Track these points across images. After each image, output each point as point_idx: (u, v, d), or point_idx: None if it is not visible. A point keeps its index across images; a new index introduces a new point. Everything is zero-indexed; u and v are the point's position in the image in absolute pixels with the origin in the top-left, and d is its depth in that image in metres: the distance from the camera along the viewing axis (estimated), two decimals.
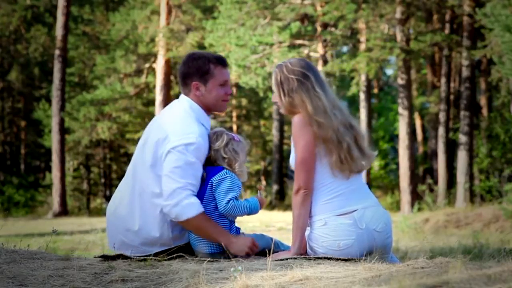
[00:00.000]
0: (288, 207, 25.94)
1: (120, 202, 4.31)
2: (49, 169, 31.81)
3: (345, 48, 30.37)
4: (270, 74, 21.32)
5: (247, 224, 16.70)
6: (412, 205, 23.00)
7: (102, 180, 33.93)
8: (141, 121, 29.64)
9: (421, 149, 34.30)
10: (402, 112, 23.71)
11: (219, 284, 3.53)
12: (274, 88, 4.17)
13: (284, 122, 30.74)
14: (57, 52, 27.43)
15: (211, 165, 4.19)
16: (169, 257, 4.13)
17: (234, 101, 31.97)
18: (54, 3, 31.83)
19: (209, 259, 4.06)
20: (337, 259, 3.91)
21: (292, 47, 23.36)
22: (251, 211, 4.17)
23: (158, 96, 27.23)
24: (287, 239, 4.41)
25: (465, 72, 23.65)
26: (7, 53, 33.57)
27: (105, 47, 30.62)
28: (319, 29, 23.92)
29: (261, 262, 3.91)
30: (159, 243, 4.18)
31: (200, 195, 4.12)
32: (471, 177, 23.47)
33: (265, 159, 34.92)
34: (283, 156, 30.54)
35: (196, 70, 4.24)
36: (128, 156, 32.91)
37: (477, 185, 23.39)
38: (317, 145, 4.02)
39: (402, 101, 23.67)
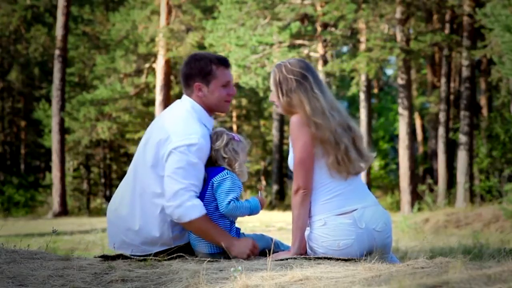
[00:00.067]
0: (288, 207, 25.94)
1: (120, 202, 4.31)
2: (49, 169, 31.81)
3: (345, 48, 30.38)
4: (270, 74, 21.28)
5: (247, 224, 16.69)
6: (412, 205, 23.00)
7: (102, 180, 33.93)
8: (141, 121, 29.64)
9: (421, 149, 34.30)
10: (402, 112, 23.72)
11: (219, 284, 3.53)
12: (272, 87, 4.17)
13: (284, 122, 30.75)
14: (57, 52, 27.43)
15: (212, 165, 4.20)
16: (169, 257, 4.14)
17: (234, 101, 31.97)
18: (54, 3, 31.83)
19: (209, 259, 4.06)
20: (337, 259, 3.91)
21: (292, 47, 23.36)
22: (252, 211, 4.17)
23: (158, 96, 27.23)
24: (287, 239, 4.41)
25: (465, 72, 23.65)
26: (7, 53, 33.57)
27: (105, 47, 30.62)
28: (319, 29, 23.92)
29: (261, 262, 3.91)
30: (159, 243, 4.18)
31: (201, 195, 4.12)
32: (471, 177, 23.47)
33: (265, 159, 34.93)
34: (283, 156, 30.55)
35: (198, 71, 4.24)
36: (128, 156, 32.93)
37: (477, 185, 23.39)
38: (315, 146, 4.02)
39: (402, 101, 23.67)
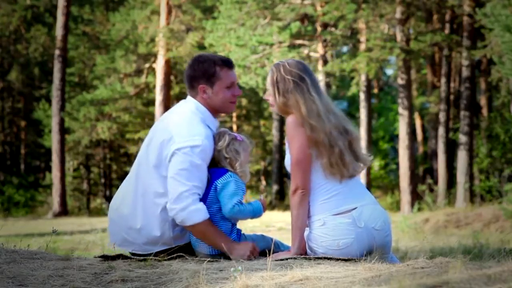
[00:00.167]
0: (288, 207, 25.94)
1: (122, 201, 4.32)
2: (49, 169, 31.81)
3: (345, 48, 30.37)
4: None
5: (247, 224, 16.69)
6: (412, 205, 23.00)
7: (102, 180, 33.93)
8: (141, 121, 29.65)
9: (421, 149, 34.30)
10: (402, 112, 23.72)
11: (219, 284, 3.54)
12: (269, 86, 4.18)
13: (284, 122, 30.72)
14: (57, 52, 27.43)
15: (215, 166, 4.20)
16: (169, 257, 4.14)
17: None
18: (54, 3, 31.83)
19: (209, 259, 4.07)
20: (337, 259, 3.91)
21: (292, 47, 23.36)
22: (255, 214, 4.19)
23: (158, 96, 27.23)
24: (287, 239, 4.41)
25: (465, 72, 23.65)
26: (7, 53, 33.57)
27: (105, 47, 30.63)
28: (319, 29, 23.91)
29: (261, 262, 3.92)
30: (160, 242, 4.19)
31: (203, 196, 4.13)
32: (471, 177, 23.47)
33: (265, 159, 34.92)
34: (283, 156, 30.48)
35: (202, 73, 4.24)
36: (128, 156, 32.93)
37: (477, 185, 23.39)
38: (310, 147, 4.03)
39: (402, 101, 23.67)
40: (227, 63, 4.28)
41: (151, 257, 4.12)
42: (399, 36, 23.03)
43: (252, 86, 23.02)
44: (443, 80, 26.57)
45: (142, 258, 4.15)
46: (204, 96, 4.25)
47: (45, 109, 31.35)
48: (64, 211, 27.03)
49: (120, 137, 30.91)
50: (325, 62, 23.55)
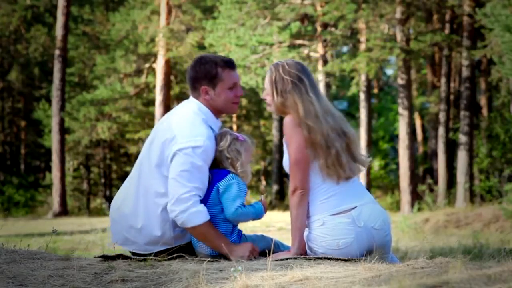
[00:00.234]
0: (288, 207, 25.92)
1: (124, 200, 4.33)
2: (49, 169, 31.82)
3: (345, 48, 30.37)
4: None
5: (247, 224, 16.66)
6: (412, 205, 23.00)
7: (102, 180, 33.93)
8: (141, 121, 29.64)
9: (421, 149, 34.30)
10: (402, 112, 23.72)
11: (219, 284, 3.54)
12: (267, 85, 4.18)
13: None
14: (57, 52, 27.43)
15: (216, 167, 4.20)
16: (169, 257, 4.14)
17: None
18: (54, 3, 31.84)
19: (209, 259, 4.07)
20: (337, 259, 3.91)
21: (292, 47, 23.36)
22: (257, 216, 4.20)
23: (158, 96, 27.23)
24: (287, 239, 4.42)
25: (465, 72, 23.65)
26: (7, 53, 33.57)
27: (105, 47, 30.63)
28: (319, 29, 23.91)
29: (261, 262, 3.92)
30: (160, 242, 4.20)
31: (204, 197, 4.13)
32: (471, 177, 23.47)
33: (265, 159, 34.93)
34: (283, 156, 30.53)
35: (204, 74, 4.24)
36: (128, 156, 32.94)
37: (477, 185, 23.39)
38: (306, 148, 4.03)
39: (402, 101, 23.67)
40: (229, 64, 4.28)
41: (151, 257, 4.12)
42: (399, 36, 23.03)
43: (252, 86, 23.02)
44: (443, 80, 26.57)
45: (142, 258, 4.15)
46: (206, 98, 4.25)
47: (45, 109, 31.35)
48: (64, 211, 27.03)
49: (120, 137, 30.91)
50: (325, 62, 23.55)
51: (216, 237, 4.09)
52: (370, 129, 25.70)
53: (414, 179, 23.86)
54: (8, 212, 27.54)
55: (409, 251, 10.74)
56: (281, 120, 30.27)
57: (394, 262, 4.07)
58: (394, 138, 37.79)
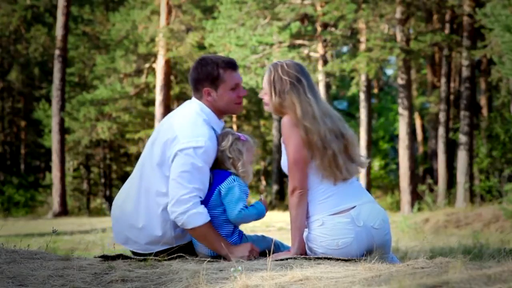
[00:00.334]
0: (288, 207, 25.95)
1: (126, 199, 4.34)
2: (49, 169, 31.82)
3: (345, 48, 30.37)
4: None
5: (247, 224, 16.67)
6: (412, 205, 23.00)
7: (102, 180, 33.93)
8: (141, 121, 29.64)
9: (421, 149, 34.30)
10: (402, 112, 23.72)
11: (219, 284, 3.54)
12: (265, 85, 4.18)
13: None
14: (57, 52, 27.44)
15: (218, 167, 4.20)
16: (169, 257, 4.15)
17: None
18: (54, 3, 31.84)
19: (209, 259, 4.07)
20: (337, 259, 3.91)
21: (292, 47, 23.36)
22: (259, 216, 4.21)
23: (158, 96, 27.23)
24: (287, 239, 4.42)
25: (465, 72, 23.65)
26: (7, 53, 33.57)
27: (105, 47, 30.62)
28: (319, 29, 23.91)
29: (261, 262, 3.92)
30: (161, 242, 4.20)
31: (206, 199, 4.14)
32: (471, 177, 23.47)
33: (265, 159, 34.94)
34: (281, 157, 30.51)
35: (206, 76, 4.24)
36: (128, 156, 32.93)
37: (477, 185, 23.39)
38: (304, 148, 4.04)
39: (402, 101, 23.67)
40: (231, 65, 4.27)
41: (151, 257, 4.12)
42: (399, 36, 23.03)
43: (252, 86, 23.02)
44: (443, 80, 26.57)
45: (142, 258, 4.15)
46: (209, 99, 4.25)
47: (45, 109, 31.35)
48: (64, 211, 27.03)
49: (120, 137, 30.91)
50: (325, 62, 23.55)
51: (215, 239, 4.09)
52: (370, 129, 25.70)
53: (414, 179, 23.86)
54: (8, 212, 27.54)
55: (409, 251, 10.74)
56: (281, 120, 30.26)
57: (394, 262, 4.07)
58: (394, 138, 37.79)
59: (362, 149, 24.22)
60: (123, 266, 4.00)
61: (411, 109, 24.00)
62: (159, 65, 27.44)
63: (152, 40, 28.03)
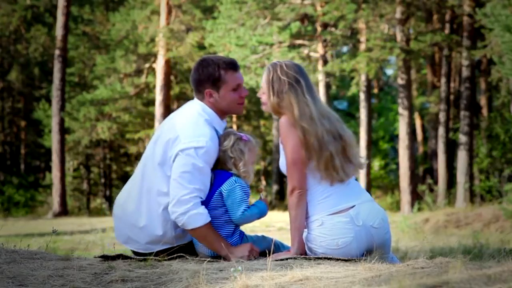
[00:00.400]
0: (288, 207, 25.92)
1: (127, 197, 4.35)
2: (49, 169, 31.82)
3: (345, 48, 30.36)
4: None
5: (247, 224, 16.66)
6: (412, 205, 23.00)
7: (102, 180, 33.93)
8: (141, 121, 29.64)
9: (421, 149, 34.30)
10: (402, 112, 23.72)
11: (219, 284, 3.54)
12: (264, 84, 4.18)
13: None
14: (57, 52, 27.43)
15: (220, 167, 4.21)
16: (169, 257, 4.15)
17: None
18: (54, 3, 31.83)
19: (209, 259, 4.07)
20: (337, 259, 3.91)
21: (292, 47, 23.36)
22: (261, 215, 4.22)
23: (158, 96, 27.23)
24: (287, 239, 4.42)
25: (465, 72, 23.65)
26: (7, 53, 33.57)
27: (105, 47, 30.62)
28: (319, 29, 23.91)
29: (261, 262, 3.92)
30: (162, 241, 4.21)
31: (207, 199, 4.14)
32: (471, 177, 23.47)
33: (265, 159, 34.94)
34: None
35: (207, 77, 4.24)
36: (128, 156, 32.92)
37: (477, 185, 23.39)
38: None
39: (402, 101, 23.67)
40: (232, 66, 4.27)
41: (151, 257, 4.13)
42: (399, 36, 23.03)
43: (252, 86, 23.02)
44: (443, 80, 26.57)
45: (142, 258, 4.16)
46: (211, 100, 4.26)
47: (45, 109, 31.35)
48: (64, 211, 27.03)
49: (120, 137, 30.91)
50: (325, 62, 23.55)
51: (215, 239, 4.09)
52: (370, 129, 25.70)
53: (414, 179, 23.86)
54: (8, 212, 27.54)
55: (409, 251, 10.74)
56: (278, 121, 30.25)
57: (394, 262, 4.07)
58: (394, 138, 37.78)
59: (362, 149, 24.22)
60: (123, 266, 4.00)
61: (411, 109, 24.00)
62: (159, 65, 27.44)
63: (152, 40, 28.02)
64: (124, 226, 4.31)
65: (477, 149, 23.59)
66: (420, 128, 34.45)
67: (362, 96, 25.68)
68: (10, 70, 33.83)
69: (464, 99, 23.70)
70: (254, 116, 33.54)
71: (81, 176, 33.67)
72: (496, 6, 15.76)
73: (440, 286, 2.83)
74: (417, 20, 24.79)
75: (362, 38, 24.15)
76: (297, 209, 4.02)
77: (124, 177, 32.21)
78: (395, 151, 35.49)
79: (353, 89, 26.33)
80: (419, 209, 22.46)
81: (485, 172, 23.34)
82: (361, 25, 23.90)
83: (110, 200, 31.60)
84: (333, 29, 23.68)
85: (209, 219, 4.08)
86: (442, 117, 26.04)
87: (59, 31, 27.42)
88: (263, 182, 34.70)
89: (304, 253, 4.07)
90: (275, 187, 30.18)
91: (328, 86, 25.44)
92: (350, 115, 38.60)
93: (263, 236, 4.31)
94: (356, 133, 26.67)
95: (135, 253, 4.33)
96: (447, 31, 25.67)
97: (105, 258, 4.23)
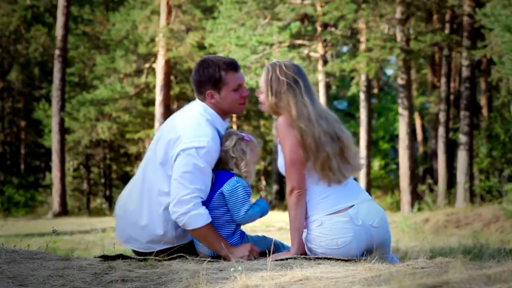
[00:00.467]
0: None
1: (129, 197, 4.36)
2: (49, 169, 31.81)
3: (345, 48, 30.36)
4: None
5: (247, 224, 16.65)
6: (412, 205, 23.00)
7: (102, 180, 33.93)
8: (141, 121, 29.63)
9: (421, 149, 34.30)
10: (402, 112, 23.71)
11: (219, 284, 3.54)
12: (262, 84, 4.19)
13: None
14: (57, 52, 27.43)
15: (221, 167, 4.21)
16: (169, 257, 4.15)
17: None
18: (54, 3, 31.83)
19: (209, 259, 4.08)
20: (337, 259, 3.91)
21: (292, 47, 23.36)
22: (263, 214, 4.23)
23: (158, 96, 27.23)
24: (287, 239, 4.42)
25: (465, 72, 23.65)
26: (7, 53, 33.57)
27: (105, 47, 30.62)
28: (319, 29, 23.91)
29: (261, 262, 3.92)
30: (162, 241, 4.22)
31: (208, 199, 4.14)
32: (471, 177, 23.47)
33: (265, 159, 34.94)
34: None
35: (208, 78, 4.25)
36: (128, 156, 32.92)
37: (477, 185, 23.39)
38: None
39: (402, 101, 23.67)
40: (232, 66, 4.27)
41: (151, 257, 4.13)
42: (399, 36, 23.03)
43: (252, 86, 23.01)
44: (443, 80, 26.57)
45: (142, 258, 4.16)
46: (212, 101, 4.27)
47: (45, 109, 31.35)
48: (64, 211, 27.03)
49: (120, 137, 30.91)
50: (325, 62, 23.55)
51: (215, 239, 4.10)
52: (370, 129, 25.70)
53: (414, 179, 23.86)
54: (8, 212, 27.54)
55: (409, 251, 10.74)
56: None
57: (394, 262, 4.07)
58: (394, 138, 37.78)
59: (362, 149, 24.23)
60: (123, 266, 4.00)
61: (411, 109, 24.00)
62: (159, 65, 27.43)
63: (152, 40, 28.02)
64: (126, 225, 4.32)
65: (477, 149, 23.59)
66: (420, 128, 34.45)
67: (362, 96, 25.67)
68: (10, 70, 33.83)
69: (464, 99, 23.70)
70: (254, 116, 33.54)
71: (81, 176, 33.68)
72: (496, 6, 15.76)
73: (440, 286, 2.83)
74: (417, 20, 24.79)
75: (362, 38, 24.15)
76: (297, 209, 4.03)
77: (124, 177, 32.21)
78: (395, 151, 35.49)
79: (353, 89, 26.33)
80: (419, 209, 22.46)
81: (485, 172, 23.34)
82: (361, 25, 23.90)
83: (110, 200, 31.61)
84: (333, 29, 23.68)
85: (210, 219, 4.09)
86: (442, 117, 26.04)
87: (59, 31, 27.42)
88: (263, 182, 34.70)
89: (304, 253, 4.07)
90: (275, 187, 30.18)
91: (328, 86, 25.43)
92: (350, 115, 38.60)
93: (263, 236, 4.31)
94: (356, 133, 26.68)
95: (135, 252, 4.33)
96: (447, 31, 25.67)
97: (105, 258, 4.24)
